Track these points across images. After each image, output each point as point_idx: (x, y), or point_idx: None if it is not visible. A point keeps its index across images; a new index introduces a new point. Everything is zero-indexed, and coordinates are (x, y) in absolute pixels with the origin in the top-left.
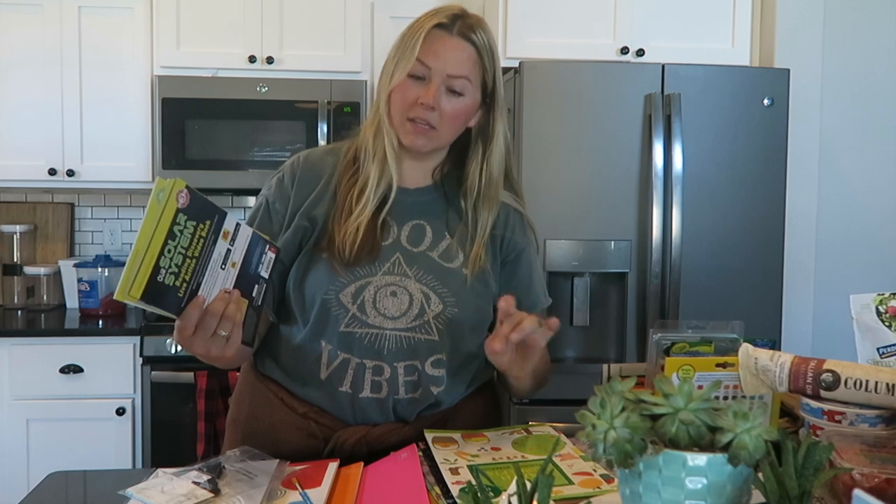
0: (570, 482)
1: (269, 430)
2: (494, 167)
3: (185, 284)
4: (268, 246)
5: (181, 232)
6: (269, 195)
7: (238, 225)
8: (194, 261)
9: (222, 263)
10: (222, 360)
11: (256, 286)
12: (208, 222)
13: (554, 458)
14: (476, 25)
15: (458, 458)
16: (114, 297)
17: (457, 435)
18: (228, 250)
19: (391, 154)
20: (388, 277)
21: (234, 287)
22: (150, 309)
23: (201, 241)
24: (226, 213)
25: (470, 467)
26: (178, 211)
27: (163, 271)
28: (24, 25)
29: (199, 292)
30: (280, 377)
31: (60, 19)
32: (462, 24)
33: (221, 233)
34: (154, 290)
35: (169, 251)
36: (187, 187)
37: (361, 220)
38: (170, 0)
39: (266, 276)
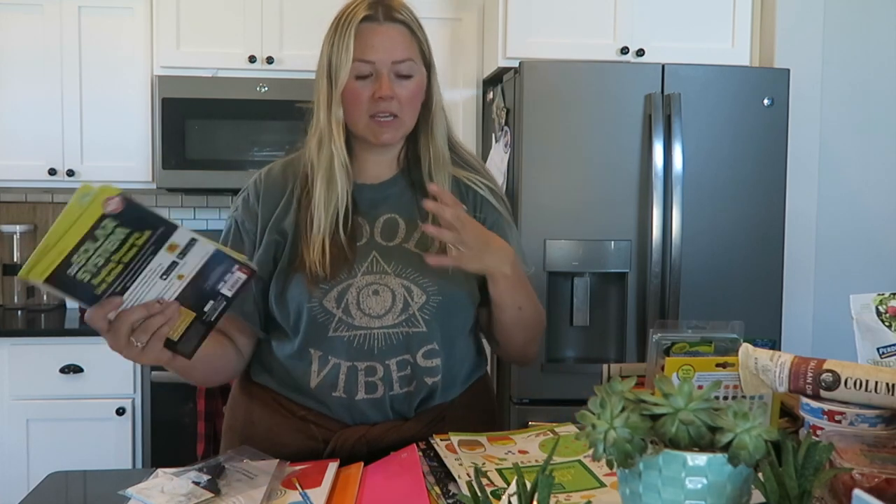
0: (602, 485)
1: (267, 434)
2: (438, 134)
3: (104, 284)
4: (236, 266)
5: (106, 236)
6: (237, 216)
7: (194, 240)
8: (121, 266)
9: (163, 274)
10: (146, 362)
11: (212, 302)
12: (147, 232)
13: (583, 460)
14: (398, 4)
15: (485, 461)
16: (17, 276)
17: (482, 438)
18: (174, 262)
19: (339, 163)
20: (368, 277)
21: (178, 299)
22: (61, 295)
23: (134, 248)
24: (175, 227)
25: (476, 469)
26: (103, 216)
27: (75, 267)
28: (24, 25)
29: (125, 296)
30: (274, 385)
31: (60, 19)
32: (385, 9)
33: (167, 245)
34: (64, 281)
35: (86, 251)
36: (122, 196)
37: (325, 237)
38: (170, 0)
39: (229, 294)
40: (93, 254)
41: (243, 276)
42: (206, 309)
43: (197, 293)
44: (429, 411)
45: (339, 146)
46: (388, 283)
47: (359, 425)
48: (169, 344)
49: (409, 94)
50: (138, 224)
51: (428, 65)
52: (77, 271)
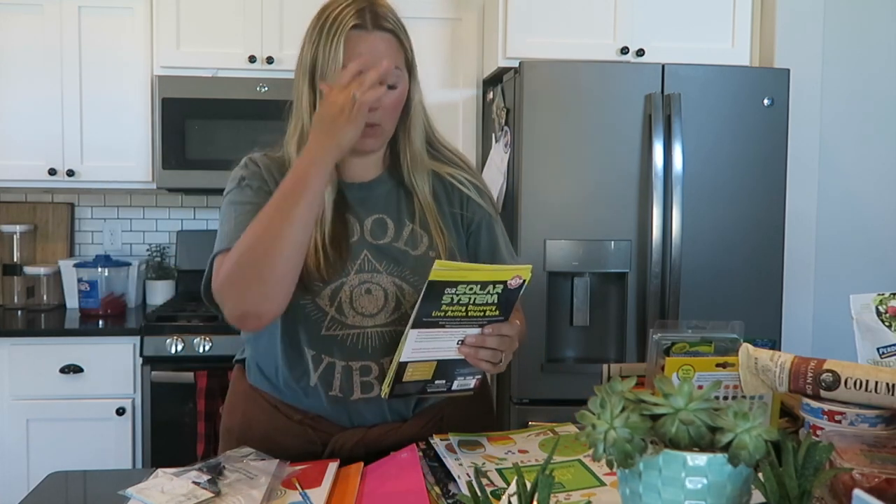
0: (602, 483)
1: (265, 438)
2: (416, 136)
3: (443, 312)
4: (477, 378)
5: (488, 292)
6: (243, 175)
7: None
8: (462, 315)
9: (459, 341)
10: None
11: (443, 381)
12: (498, 314)
13: (583, 459)
14: (385, 11)
15: (485, 461)
16: (439, 264)
17: (482, 438)
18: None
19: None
20: (360, 276)
21: (439, 362)
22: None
23: (479, 314)
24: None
25: (476, 469)
26: (505, 285)
27: (456, 287)
28: (24, 25)
29: (429, 330)
30: (271, 390)
31: (60, 19)
32: (373, 16)
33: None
34: (436, 288)
35: (472, 289)
36: (525, 281)
37: (316, 237)
38: (170, 0)
39: (453, 388)
40: (469, 293)
41: (470, 386)
42: (435, 381)
43: (448, 368)
44: (426, 411)
45: None
46: (379, 281)
47: (356, 428)
48: (397, 378)
49: (392, 104)
50: (505, 303)
51: (410, 68)
52: (451, 289)
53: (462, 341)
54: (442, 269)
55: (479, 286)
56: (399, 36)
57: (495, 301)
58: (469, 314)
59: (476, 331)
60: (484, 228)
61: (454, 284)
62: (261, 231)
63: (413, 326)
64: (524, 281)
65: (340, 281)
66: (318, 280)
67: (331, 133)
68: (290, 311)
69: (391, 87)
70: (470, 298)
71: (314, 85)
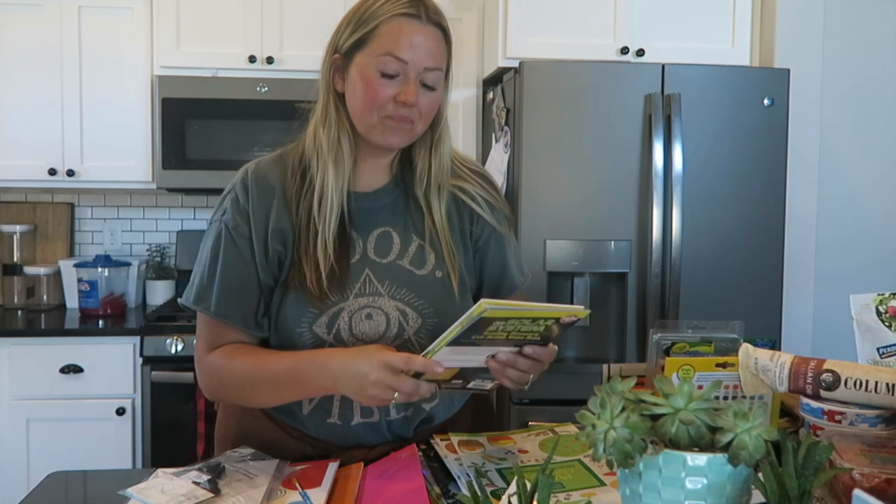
0: (602, 483)
1: (262, 446)
2: (444, 150)
3: (489, 335)
4: (493, 382)
5: (536, 324)
6: (227, 220)
7: None
8: (504, 337)
9: (490, 356)
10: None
11: (460, 381)
12: (538, 338)
13: (583, 459)
14: (438, 8)
15: (485, 461)
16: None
17: (482, 438)
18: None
19: (349, 154)
20: (360, 300)
21: (461, 367)
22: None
23: (520, 336)
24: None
25: (476, 469)
26: (558, 321)
27: (510, 320)
28: (24, 25)
29: (456, 348)
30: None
31: (60, 19)
32: (427, 10)
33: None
34: (484, 320)
35: (522, 320)
36: (579, 319)
37: (328, 235)
38: (170, 0)
39: (468, 387)
40: (518, 324)
41: (486, 388)
42: (452, 381)
43: (468, 372)
44: (426, 432)
45: (347, 137)
46: (381, 305)
47: (356, 448)
48: None
49: (429, 105)
50: (550, 333)
51: (447, 75)
52: (501, 322)
53: (493, 356)
54: (496, 308)
55: (530, 320)
56: (448, 40)
57: (541, 330)
58: (510, 338)
59: (510, 349)
60: (492, 244)
61: (505, 319)
62: (251, 389)
63: (448, 344)
64: (578, 319)
65: (339, 306)
66: (315, 307)
67: (359, 388)
68: (286, 339)
69: (430, 89)
70: (516, 328)
71: (346, 66)
